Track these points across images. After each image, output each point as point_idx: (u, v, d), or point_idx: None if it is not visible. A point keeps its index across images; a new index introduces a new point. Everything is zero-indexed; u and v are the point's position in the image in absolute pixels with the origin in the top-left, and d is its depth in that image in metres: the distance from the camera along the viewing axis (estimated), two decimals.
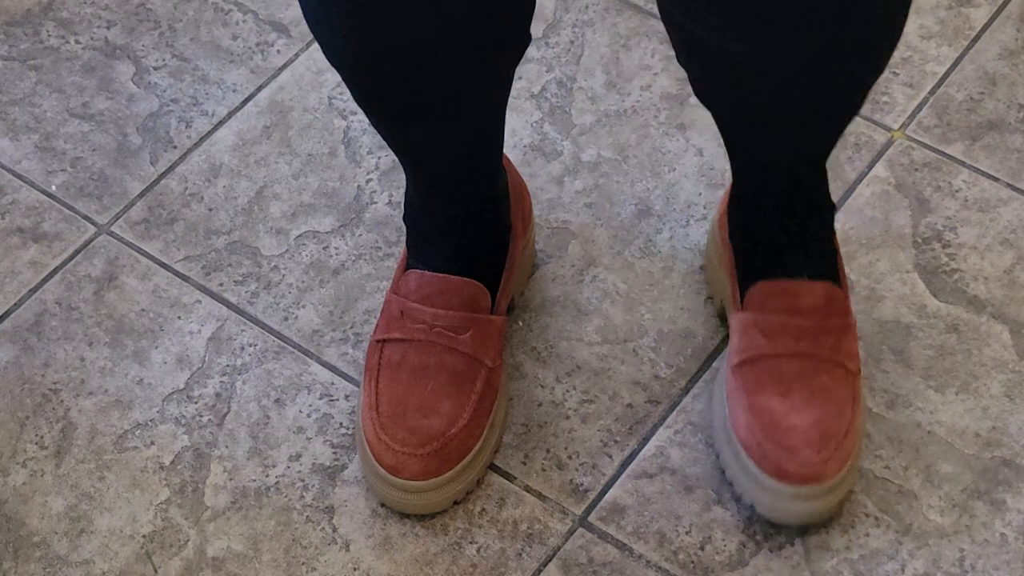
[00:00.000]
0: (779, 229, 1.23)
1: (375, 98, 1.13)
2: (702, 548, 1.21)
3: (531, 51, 1.51)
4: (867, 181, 1.42)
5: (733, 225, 1.27)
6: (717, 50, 1.04)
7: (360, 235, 1.39)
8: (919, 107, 1.47)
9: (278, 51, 1.53)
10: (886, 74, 1.48)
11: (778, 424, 1.18)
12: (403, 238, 1.39)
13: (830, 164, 1.35)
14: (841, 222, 1.38)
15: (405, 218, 1.26)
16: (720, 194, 1.41)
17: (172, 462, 1.26)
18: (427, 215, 1.24)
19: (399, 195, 1.42)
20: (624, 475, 1.25)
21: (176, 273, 1.37)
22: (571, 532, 1.22)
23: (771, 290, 1.22)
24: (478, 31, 1.08)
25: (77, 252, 1.39)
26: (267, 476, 1.25)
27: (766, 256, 1.24)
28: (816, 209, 1.23)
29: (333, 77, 1.51)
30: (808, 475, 1.16)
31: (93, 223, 1.41)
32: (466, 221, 1.24)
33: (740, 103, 1.10)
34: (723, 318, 1.32)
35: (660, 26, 1.54)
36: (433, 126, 1.14)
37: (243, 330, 1.33)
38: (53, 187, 1.43)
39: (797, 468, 1.16)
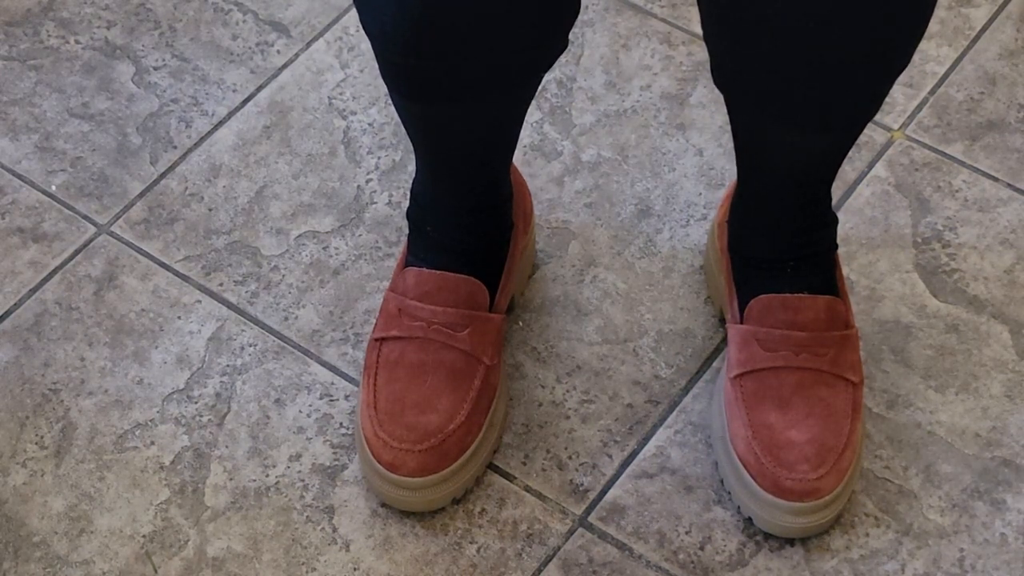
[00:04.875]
0: (783, 245, 1.22)
1: (411, 69, 1.10)
2: (702, 548, 1.21)
3: None
4: (867, 181, 1.42)
5: (733, 237, 1.26)
6: (756, 19, 1.03)
7: (360, 235, 1.39)
8: (919, 107, 1.47)
9: (278, 51, 1.53)
10: None
11: (776, 439, 1.18)
12: (403, 238, 1.39)
13: None
14: (841, 222, 1.38)
15: (408, 214, 1.26)
16: (720, 194, 1.41)
17: (172, 462, 1.26)
18: (432, 209, 1.24)
19: (399, 195, 1.42)
20: (624, 475, 1.25)
21: (176, 273, 1.37)
22: (571, 532, 1.22)
23: (771, 304, 1.22)
24: (528, 20, 1.08)
25: (77, 252, 1.39)
26: (267, 476, 1.25)
27: (767, 271, 1.23)
28: (821, 224, 1.23)
29: (333, 77, 1.51)
30: (805, 491, 1.16)
31: (93, 223, 1.41)
32: (471, 216, 1.24)
33: (766, 79, 1.08)
34: (723, 319, 1.32)
35: (660, 26, 1.54)
36: (459, 108, 1.13)
37: (243, 330, 1.33)
38: (53, 187, 1.43)
39: (794, 484, 1.16)
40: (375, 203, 1.42)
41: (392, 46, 1.09)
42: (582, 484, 1.24)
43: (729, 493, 1.22)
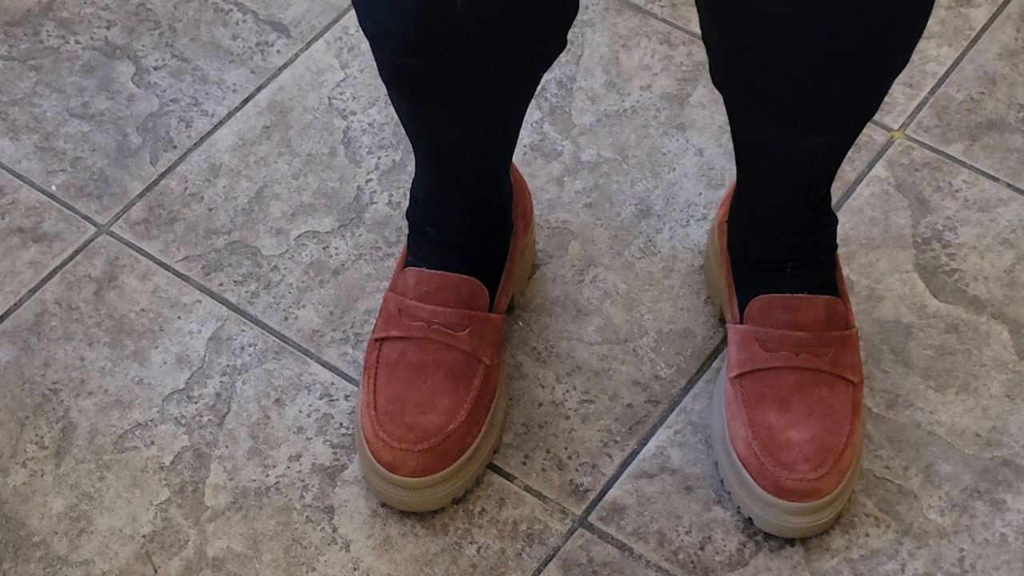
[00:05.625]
0: (783, 245, 1.22)
1: (410, 69, 1.10)
2: (702, 548, 1.21)
3: None
4: (867, 181, 1.42)
5: (733, 237, 1.26)
6: (753, 15, 1.03)
7: (360, 235, 1.39)
8: (919, 107, 1.47)
9: (278, 51, 1.53)
10: None
11: (776, 439, 1.18)
12: (403, 238, 1.39)
13: None
14: (841, 222, 1.38)
15: (408, 214, 1.26)
16: (720, 194, 1.41)
17: (172, 462, 1.26)
18: (433, 209, 1.24)
19: (399, 195, 1.42)
20: (624, 475, 1.25)
21: (176, 273, 1.37)
22: (571, 532, 1.22)
23: (771, 304, 1.22)
24: (527, 20, 1.08)
25: (77, 252, 1.39)
26: (267, 476, 1.25)
27: (767, 271, 1.23)
28: (821, 224, 1.23)
29: (333, 77, 1.51)
30: (805, 491, 1.16)
31: (93, 223, 1.41)
32: (471, 216, 1.24)
33: (764, 78, 1.08)
34: (723, 319, 1.32)
35: (660, 26, 1.54)
36: (458, 109, 1.14)
37: (243, 330, 1.33)
38: (53, 187, 1.43)
39: (794, 484, 1.16)
40: (375, 203, 1.42)
41: (390, 46, 1.09)
42: (582, 484, 1.24)
43: (729, 493, 1.22)
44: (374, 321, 1.31)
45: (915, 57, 1.49)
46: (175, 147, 1.46)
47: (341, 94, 1.50)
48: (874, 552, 1.20)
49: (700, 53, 1.51)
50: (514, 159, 1.41)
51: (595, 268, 1.37)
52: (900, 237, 1.38)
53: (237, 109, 1.49)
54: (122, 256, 1.39)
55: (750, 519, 1.21)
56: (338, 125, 1.48)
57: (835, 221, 1.24)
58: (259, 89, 1.50)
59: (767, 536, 1.21)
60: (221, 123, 1.48)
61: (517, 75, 1.13)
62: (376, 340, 1.24)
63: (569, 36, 1.52)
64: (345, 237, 1.39)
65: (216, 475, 1.25)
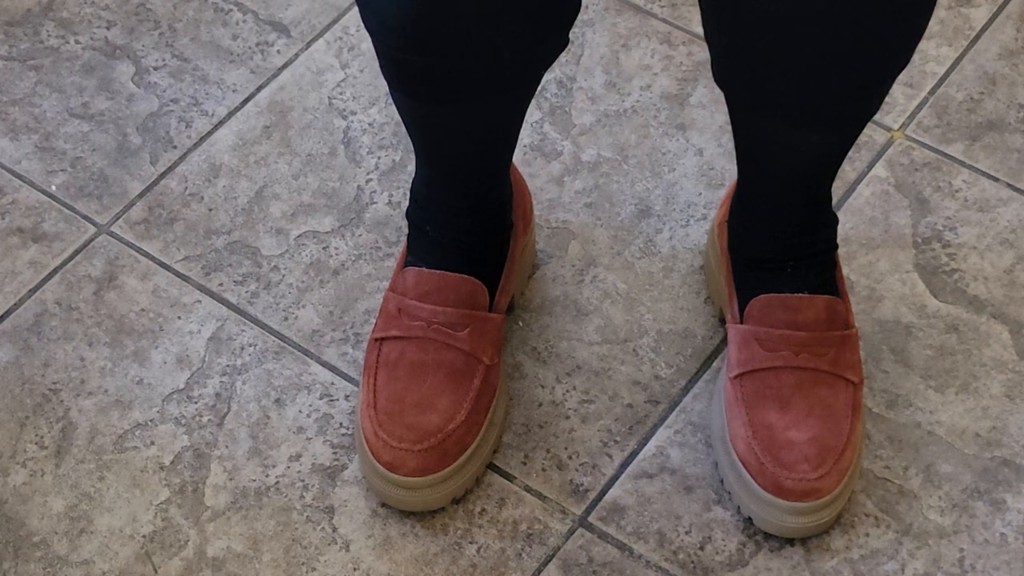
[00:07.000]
0: (783, 245, 1.22)
1: (412, 65, 1.10)
2: (702, 548, 1.21)
3: None
4: (867, 181, 1.42)
5: (733, 237, 1.26)
6: (755, 15, 1.03)
7: (360, 235, 1.39)
8: (919, 107, 1.47)
9: (278, 51, 1.53)
10: None
11: (776, 439, 1.18)
12: (403, 238, 1.39)
13: None
14: (841, 222, 1.38)
15: (408, 214, 1.26)
16: (720, 194, 1.41)
17: (172, 462, 1.26)
18: (432, 209, 1.24)
19: (399, 195, 1.42)
20: (624, 475, 1.25)
21: (176, 273, 1.37)
22: (571, 532, 1.22)
23: (771, 304, 1.22)
24: (529, 17, 1.08)
25: (77, 252, 1.39)
26: (267, 476, 1.25)
27: (767, 271, 1.23)
28: (821, 224, 1.23)
29: (333, 77, 1.51)
30: (805, 491, 1.16)
31: (93, 223, 1.41)
32: (471, 216, 1.24)
33: (766, 76, 1.08)
34: (723, 319, 1.32)
35: (660, 26, 1.54)
36: (460, 107, 1.14)
37: (243, 330, 1.33)
38: (53, 187, 1.43)
39: (794, 484, 1.16)
40: (375, 203, 1.42)
41: (392, 41, 1.09)
42: (582, 484, 1.24)
43: (729, 493, 1.22)
44: (374, 321, 1.31)
45: (915, 57, 1.49)
46: (175, 147, 1.46)
47: (341, 94, 1.50)
48: (874, 552, 1.20)
49: (700, 53, 1.51)
50: (514, 159, 1.41)
51: (595, 268, 1.37)
52: (900, 237, 1.38)
53: (237, 109, 1.49)
54: (122, 256, 1.39)
55: (750, 519, 1.21)
56: (338, 125, 1.48)
57: (835, 221, 1.24)
58: (259, 89, 1.50)
59: (767, 536, 1.21)
60: (221, 123, 1.48)
61: (518, 74, 1.13)
62: (376, 340, 1.24)
63: (569, 35, 1.52)
64: (345, 237, 1.39)
65: (216, 475, 1.25)
